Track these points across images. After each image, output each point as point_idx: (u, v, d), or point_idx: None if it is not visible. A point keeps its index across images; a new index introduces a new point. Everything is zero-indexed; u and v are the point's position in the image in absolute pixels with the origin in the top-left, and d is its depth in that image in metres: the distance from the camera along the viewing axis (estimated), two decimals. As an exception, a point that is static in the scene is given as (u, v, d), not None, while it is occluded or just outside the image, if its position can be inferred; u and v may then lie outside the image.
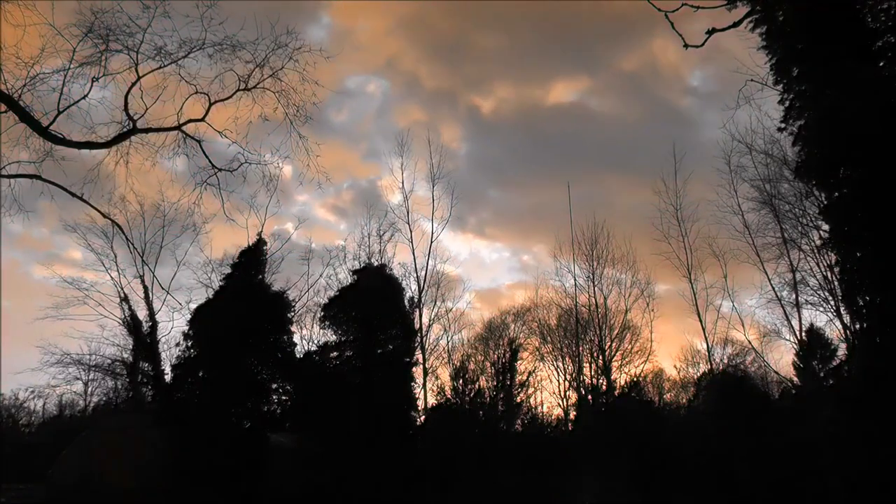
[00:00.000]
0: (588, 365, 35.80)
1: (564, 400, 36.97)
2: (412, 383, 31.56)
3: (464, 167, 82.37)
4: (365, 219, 35.13)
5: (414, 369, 31.88)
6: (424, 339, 33.57)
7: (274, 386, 29.82)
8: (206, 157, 15.31)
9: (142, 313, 31.00)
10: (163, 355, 30.49)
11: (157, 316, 31.12)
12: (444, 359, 35.68)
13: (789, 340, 31.69)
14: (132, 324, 30.66)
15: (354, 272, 32.84)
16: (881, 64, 16.07)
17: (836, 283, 27.25)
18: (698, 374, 37.53)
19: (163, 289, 28.72)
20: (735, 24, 15.32)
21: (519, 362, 36.53)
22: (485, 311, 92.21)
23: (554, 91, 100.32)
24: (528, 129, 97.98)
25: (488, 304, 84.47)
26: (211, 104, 15.31)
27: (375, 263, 32.90)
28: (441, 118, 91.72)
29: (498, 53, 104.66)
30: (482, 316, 33.40)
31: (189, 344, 29.13)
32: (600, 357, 35.26)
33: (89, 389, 43.35)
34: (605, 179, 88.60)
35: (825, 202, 19.46)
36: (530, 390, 36.96)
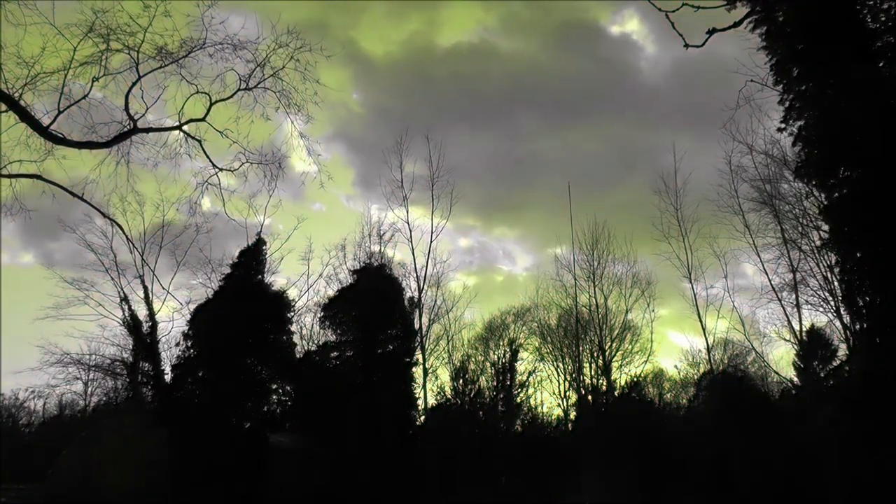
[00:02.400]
0: (588, 365, 35.80)
1: (564, 400, 36.99)
2: (412, 383, 31.58)
3: (363, 121, 78.64)
4: (365, 219, 34.96)
5: (414, 369, 31.90)
6: (424, 339, 33.56)
7: (274, 386, 29.83)
8: (207, 156, 15.36)
9: (142, 313, 31.00)
10: (163, 355, 30.47)
11: (157, 316, 31.10)
12: (444, 359, 35.69)
13: (789, 340, 31.69)
14: (132, 324, 30.63)
15: (354, 272, 32.85)
16: (881, 64, 16.06)
17: (836, 283, 27.26)
18: (698, 374, 37.52)
19: (163, 288, 28.80)
20: (735, 25, 15.34)
21: (519, 362, 36.58)
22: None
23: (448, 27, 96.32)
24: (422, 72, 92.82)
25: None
26: (211, 104, 15.34)
27: (375, 263, 32.91)
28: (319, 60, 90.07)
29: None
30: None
31: (189, 344, 29.13)
32: (600, 357, 35.25)
33: (89, 389, 43.36)
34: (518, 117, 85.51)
35: (825, 202, 19.44)
36: (530, 390, 37.02)
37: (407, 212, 34.42)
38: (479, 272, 68.51)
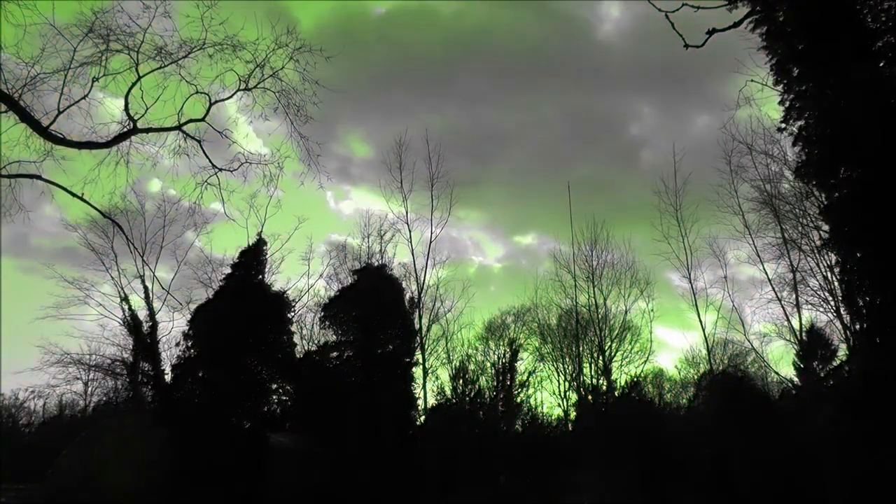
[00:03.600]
0: (588, 365, 35.81)
1: (564, 400, 37.00)
2: (412, 383, 31.57)
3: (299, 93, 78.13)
4: (365, 219, 34.93)
5: (414, 369, 31.89)
6: (424, 339, 33.54)
7: (274, 386, 29.82)
8: (207, 156, 15.37)
9: (142, 313, 31.02)
10: (163, 355, 30.49)
11: (157, 316, 31.13)
12: (444, 359, 35.68)
13: (789, 340, 31.70)
14: (132, 324, 30.65)
15: (354, 272, 32.85)
16: (881, 64, 16.06)
17: (836, 283, 27.26)
18: (698, 375, 37.53)
19: (163, 289, 28.75)
20: (735, 25, 15.33)
21: (519, 362, 36.58)
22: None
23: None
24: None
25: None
26: (211, 104, 15.36)
27: (375, 264, 32.90)
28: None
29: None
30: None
31: (189, 344, 29.13)
32: (600, 357, 35.25)
33: (89, 389, 43.38)
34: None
35: (825, 202, 19.44)
36: (530, 390, 37.02)
37: (406, 212, 34.44)
38: (451, 264, 68.04)
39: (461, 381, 35.10)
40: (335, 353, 31.27)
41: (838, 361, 29.59)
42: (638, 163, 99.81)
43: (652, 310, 36.27)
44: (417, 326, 32.79)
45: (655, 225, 35.10)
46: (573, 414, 36.81)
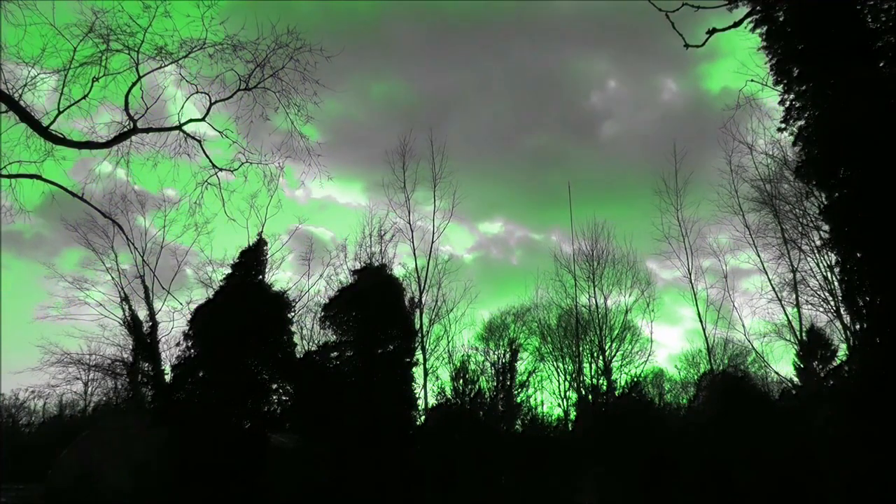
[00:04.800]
0: (588, 365, 35.84)
1: (564, 400, 37.01)
2: (412, 383, 31.55)
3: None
4: (366, 219, 34.89)
5: (414, 369, 31.87)
6: (425, 339, 33.54)
7: (274, 386, 29.80)
8: (207, 156, 15.35)
9: (142, 313, 31.04)
10: (163, 355, 30.54)
11: (157, 316, 31.15)
12: (444, 359, 35.69)
13: (789, 340, 31.73)
14: (132, 324, 30.68)
15: (355, 272, 32.81)
16: (881, 64, 16.08)
17: (836, 283, 27.27)
18: (698, 375, 37.54)
19: (163, 288, 28.82)
20: (735, 25, 15.32)
21: (519, 362, 36.58)
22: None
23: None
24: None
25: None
26: (211, 104, 15.34)
27: (376, 264, 32.88)
28: None
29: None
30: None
31: (189, 344, 29.13)
32: (600, 357, 35.28)
33: (89, 389, 43.44)
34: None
35: (825, 202, 19.46)
36: (530, 390, 37.02)
37: (409, 212, 34.42)
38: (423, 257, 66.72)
39: (461, 381, 35.08)
40: (335, 353, 31.23)
41: (838, 361, 29.61)
42: (598, 135, 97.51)
43: (653, 310, 36.35)
44: (418, 326, 32.79)
45: (656, 224, 35.23)
46: (573, 414, 36.84)
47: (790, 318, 31.19)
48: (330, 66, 15.17)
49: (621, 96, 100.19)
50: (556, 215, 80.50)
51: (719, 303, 33.80)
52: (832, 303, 29.21)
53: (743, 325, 33.40)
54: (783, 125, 18.48)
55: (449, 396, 34.84)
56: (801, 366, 31.19)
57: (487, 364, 36.24)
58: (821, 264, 29.53)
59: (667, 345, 75.72)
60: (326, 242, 74.14)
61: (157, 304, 31.15)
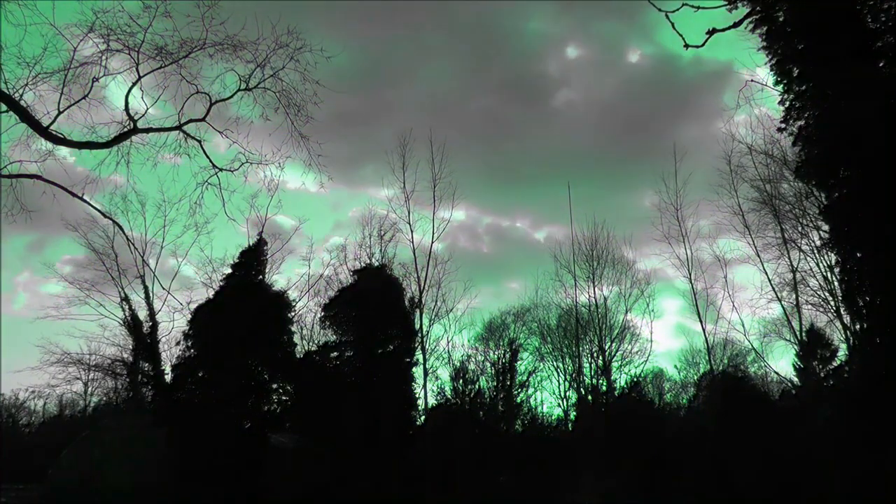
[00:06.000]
0: (588, 365, 35.85)
1: (564, 400, 37.02)
2: (412, 383, 31.55)
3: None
4: (366, 219, 34.76)
5: (414, 369, 31.87)
6: (425, 339, 33.53)
7: (274, 386, 29.82)
8: (207, 156, 15.30)
9: (142, 313, 31.02)
10: (163, 355, 30.48)
11: (157, 316, 31.11)
12: (444, 359, 35.67)
13: (789, 340, 31.72)
14: (132, 324, 30.63)
15: (355, 272, 32.80)
16: (881, 64, 16.08)
17: (836, 283, 27.27)
18: (698, 375, 37.55)
19: (163, 288, 28.79)
20: (735, 25, 15.32)
21: (519, 362, 36.57)
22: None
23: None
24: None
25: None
26: (212, 104, 15.29)
27: (376, 264, 32.88)
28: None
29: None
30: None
31: (189, 344, 29.13)
32: (600, 357, 35.28)
33: (89, 389, 43.40)
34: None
35: (825, 202, 19.48)
36: (530, 390, 37.02)
37: (409, 212, 34.35)
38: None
39: (461, 381, 35.09)
40: (335, 353, 31.24)
41: (838, 361, 29.65)
42: (553, 100, 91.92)
43: (652, 310, 36.35)
44: (418, 326, 32.79)
45: (656, 224, 35.22)
46: (573, 414, 36.86)
47: (790, 318, 31.21)
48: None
49: (581, 61, 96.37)
50: (520, 196, 77.27)
51: (719, 303, 33.84)
52: (832, 303, 29.23)
53: (743, 325, 33.39)
54: (783, 125, 18.51)
55: (449, 396, 34.87)
56: (801, 366, 31.19)
57: (487, 364, 36.27)
58: (821, 264, 29.56)
59: (656, 341, 75.19)
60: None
61: (157, 304, 31.14)
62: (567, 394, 36.87)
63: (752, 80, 18.26)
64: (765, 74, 18.98)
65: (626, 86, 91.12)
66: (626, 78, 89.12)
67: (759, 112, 29.32)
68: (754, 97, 19.33)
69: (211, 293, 30.69)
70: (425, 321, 33.77)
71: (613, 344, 35.55)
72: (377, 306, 30.59)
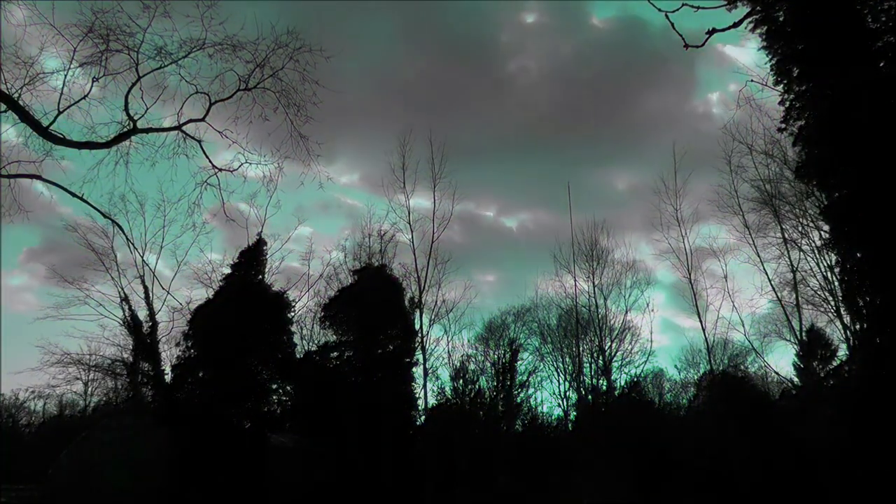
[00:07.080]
0: (588, 365, 35.85)
1: (564, 400, 37.04)
2: (412, 383, 31.56)
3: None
4: (366, 219, 34.78)
5: (414, 369, 31.88)
6: (425, 339, 33.52)
7: (274, 386, 29.83)
8: (207, 156, 15.31)
9: (142, 313, 30.98)
10: (163, 355, 30.45)
11: (157, 316, 31.08)
12: (444, 359, 35.67)
13: (789, 340, 31.72)
14: (132, 324, 30.58)
15: (355, 272, 32.80)
16: (881, 64, 16.08)
17: (836, 283, 27.26)
18: (698, 375, 37.55)
19: (163, 289, 28.72)
20: (735, 25, 15.32)
21: (519, 362, 36.59)
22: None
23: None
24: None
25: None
26: (211, 104, 15.29)
27: (376, 264, 32.87)
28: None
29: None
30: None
31: (189, 344, 29.13)
32: (600, 357, 35.29)
33: (89, 389, 43.34)
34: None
35: (825, 202, 19.47)
36: (530, 390, 37.04)
37: (409, 212, 34.31)
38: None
39: (461, 381, 35.10)
40: (335, 353, 31.26)
41: (838, 361, 29.63)
42: (504, 67, 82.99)
43: (652, 310, 36.38)
44: (418, 326, 32.80)
45: (656, 224, 35.25)
46: (573, 414, 36.88)
47: (790, 318, 31.21)
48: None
49: (537, 25, 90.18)
50: (478, 175, 71.18)
51: (719, 303, 33.84)
52: (832, 303, 29.23)
53: (743, 325, 33.38)
54: (783, 125, 18.49)
55: (449, 396, 34.89)
56: (801, 366, 31.19)
57: (487, 364, 36.28)
58: (821, 264, 29.55)
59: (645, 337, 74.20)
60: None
61: (157, 305, 31.11)
62: (567, 394, 36.94)
63: (751, 80, 18.30)
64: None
65: (590, 47, 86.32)
66: (587, 41, 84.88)
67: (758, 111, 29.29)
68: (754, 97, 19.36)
69: (211, 293, 30.72)
70: (425, 321, 33.82)
71: (613, 344, 35.62)
72: (377, 306, 30.59)
